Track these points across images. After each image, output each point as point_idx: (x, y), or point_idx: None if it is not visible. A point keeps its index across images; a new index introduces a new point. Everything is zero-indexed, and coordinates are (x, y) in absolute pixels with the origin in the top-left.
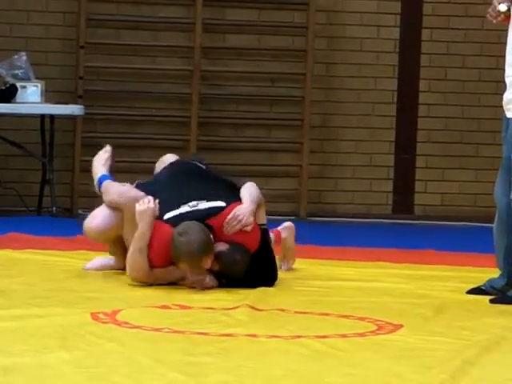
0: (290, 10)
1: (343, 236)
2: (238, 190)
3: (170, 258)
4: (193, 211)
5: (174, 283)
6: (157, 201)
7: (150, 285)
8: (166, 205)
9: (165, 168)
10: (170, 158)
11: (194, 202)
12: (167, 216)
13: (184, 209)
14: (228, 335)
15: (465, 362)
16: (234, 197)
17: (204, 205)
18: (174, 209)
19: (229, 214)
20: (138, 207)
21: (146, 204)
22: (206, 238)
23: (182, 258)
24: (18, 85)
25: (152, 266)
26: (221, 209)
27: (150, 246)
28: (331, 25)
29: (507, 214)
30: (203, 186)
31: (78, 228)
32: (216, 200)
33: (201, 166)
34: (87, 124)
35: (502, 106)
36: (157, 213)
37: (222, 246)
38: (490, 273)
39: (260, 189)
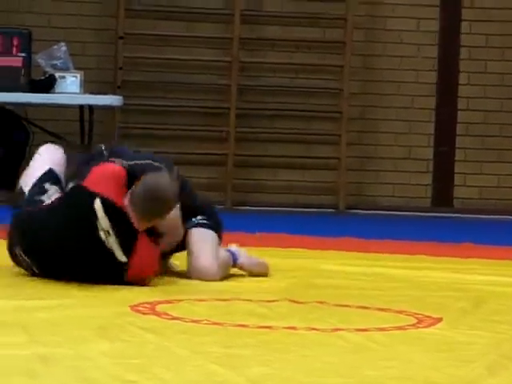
0: (329, 1)
1: (382, 229)
2: None
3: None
4: None
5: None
6: None
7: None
8: None
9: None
10: (47, 151)
11: None
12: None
13: None
14: (267, 327)
15: (502, 357)
16: None
17: None
18: None
19: None
20: None
21: None
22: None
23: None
24: (57, 75)
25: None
26: None
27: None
28: (370, 17)
29: None
30: None
31: None
32: None
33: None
34: (125, 114)
35: None
36: None
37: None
38: None
39: (297, 181)
